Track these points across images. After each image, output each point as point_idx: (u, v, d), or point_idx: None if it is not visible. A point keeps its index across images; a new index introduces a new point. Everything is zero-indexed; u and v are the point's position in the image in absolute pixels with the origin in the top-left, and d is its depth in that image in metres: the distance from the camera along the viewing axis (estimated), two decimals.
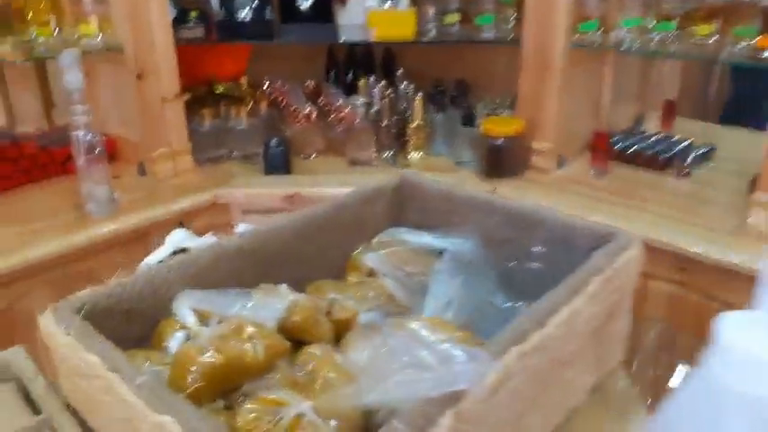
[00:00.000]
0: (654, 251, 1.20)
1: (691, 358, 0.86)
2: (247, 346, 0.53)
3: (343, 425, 0.48)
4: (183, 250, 0.70)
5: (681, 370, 0.80)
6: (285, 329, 0.62)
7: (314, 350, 0.61)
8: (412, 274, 0.76)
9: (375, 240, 0.82)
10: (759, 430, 0.46)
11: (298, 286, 0.75)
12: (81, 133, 1.39)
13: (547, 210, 0.74)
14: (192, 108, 1.67)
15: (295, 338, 0.64)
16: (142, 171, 1.65)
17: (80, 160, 1.40)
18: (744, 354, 0.47)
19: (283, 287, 0.63)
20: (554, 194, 1.47)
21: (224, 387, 0.53)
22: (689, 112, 2.21)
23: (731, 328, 0.49)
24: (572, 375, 0.62)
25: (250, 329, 0.55)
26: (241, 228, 0.70)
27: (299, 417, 0.47)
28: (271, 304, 0.62)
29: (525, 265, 0.74)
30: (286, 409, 0.47)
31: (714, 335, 0.49)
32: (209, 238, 0.74)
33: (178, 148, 1.63)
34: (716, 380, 0.48)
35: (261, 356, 0.53)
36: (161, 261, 0.63)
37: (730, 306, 1.25)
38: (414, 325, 0.66)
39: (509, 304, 0.70)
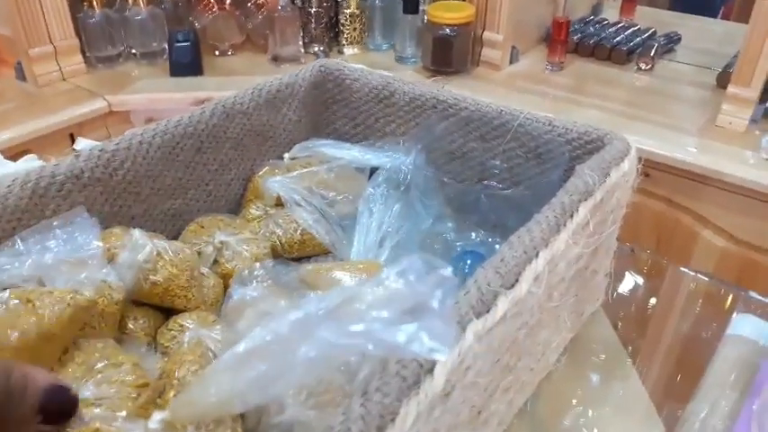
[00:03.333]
0: None
1: (655, 280, 0.76)
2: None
3: None
4: None
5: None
6: (143, 294, 0.43)
7: (185, 321, 0.43)
8: (334, 203, 0.57)
9: (286, 157, 0.62)
10: None
11: (174, 226, 0.55)
12: None
13: (514, 110, 0.55)
14: None
15: (164, 306, 0.45)
16: (21, 74, 1.37)
17: None
18: None
19: (136, 233, 0.43)
20: (506, 92, 1.30)
21: None
22: None
23: None
24: (546, 336, 0.46)
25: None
26: (81, 144, 0.49)
27: None
28: (120, 259, 0.42)
29: (485, 184, 0.56)
30: None
31: None
32: (27, 163, 0.52)
33: (63, 45, 1.36)
34: None
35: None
36: None
37: (699, 217, 1.14)
38: (336, 274, 0.48)
39: (462, 242, 0.53)
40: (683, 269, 0.73)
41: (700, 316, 0.67)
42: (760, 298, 0.66)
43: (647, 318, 0.66)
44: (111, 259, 0.42)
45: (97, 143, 0.48)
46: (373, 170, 0.61)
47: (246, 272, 0.44)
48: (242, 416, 0.33)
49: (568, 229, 0.41)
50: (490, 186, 0.56)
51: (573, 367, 0.53)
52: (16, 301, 0.35)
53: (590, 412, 0.49)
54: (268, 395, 0.26)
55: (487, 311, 0.34)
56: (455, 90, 1.22)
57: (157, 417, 0.28)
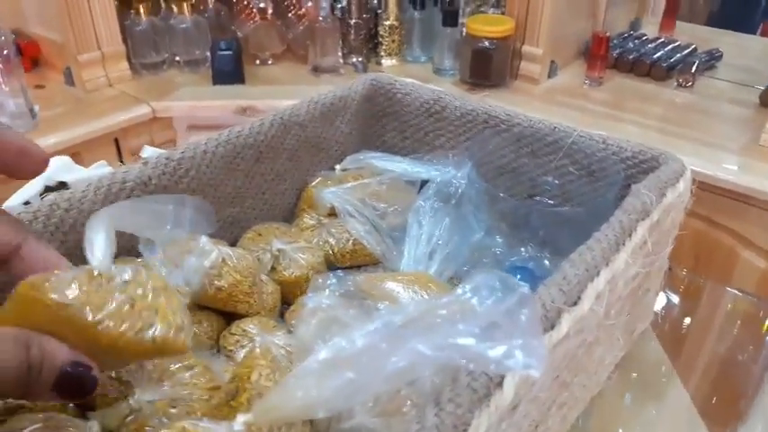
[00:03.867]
0: None
1: (692, 300, 0.75)
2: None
3: None
4: (61, 186, 0.51)
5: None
6: (207, 299, 0.45)
7: (247, 326, 0.44)
8: (385, 214, 0.58)
9: (338, 168, 0.63)
10: None
11: (232, 233, 0.56)
12: None
13: (567, 128, 0.55)
14: (126, 2, 1.42)
15: (226, 310, 0.47)
16: (70, 80, 1.42)
17: None
18: None
19: (203, 239, 0.44)
20: (544, 107, 1.30)
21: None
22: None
23: None
24: (601, 354, 0.46)
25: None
26: (147, 152, 0.50)
27: None
28: (187, 264, 0.43)
29: (537, 200, 0.57)
30: None
31: None
32: (98, 169, 0.54)
33: (110, 51, 1.40)
34: None
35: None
36: (27, 202, 0.44)
37: (740, 237, 1.12)
38: (389, 284, 0.49)
39: (512, 257, 0.53)
40: (721, 287, 0.73)
41: (736, 337, 0.67)
42: None
43: (683, 337, 0.66)
44: (177, 264, 0.44)
45: (162, 151, 0.49)
46: (423, 183, 0.62)
47: (321, 280, 0.45)
48: (311, 419, 0.35)
49: (627, 248, 0.42)
50: (542, 202, 0.57)
51: (623, 384, 0.53)
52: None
53: (639, 429, 0.49)
54: (353, 403, 0.27)
55: (552, 328, 0.35)
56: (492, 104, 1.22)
57: (241, 419, 0.29)
